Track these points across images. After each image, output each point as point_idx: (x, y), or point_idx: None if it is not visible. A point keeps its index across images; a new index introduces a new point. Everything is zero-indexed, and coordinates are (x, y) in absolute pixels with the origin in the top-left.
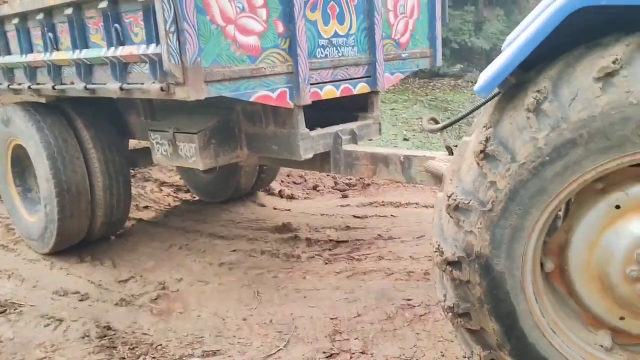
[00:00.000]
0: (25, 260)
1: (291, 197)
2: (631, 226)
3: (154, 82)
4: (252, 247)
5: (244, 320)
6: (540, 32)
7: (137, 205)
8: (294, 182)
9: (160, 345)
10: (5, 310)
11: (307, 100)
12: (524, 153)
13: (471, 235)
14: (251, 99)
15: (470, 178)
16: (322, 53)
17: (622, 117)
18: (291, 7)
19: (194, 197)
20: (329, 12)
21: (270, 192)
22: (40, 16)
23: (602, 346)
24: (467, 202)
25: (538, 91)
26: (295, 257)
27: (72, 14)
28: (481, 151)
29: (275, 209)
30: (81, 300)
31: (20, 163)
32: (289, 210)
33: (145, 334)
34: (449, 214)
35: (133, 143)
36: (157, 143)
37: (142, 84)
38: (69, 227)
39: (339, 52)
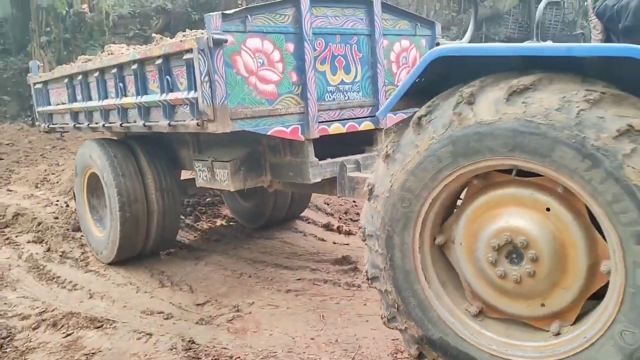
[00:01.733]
0: (114, 284)
1: (349, 233)
2: (492, 220)
3: (192, 119)
4: (315, 277)
5: (312, 339)
6: (412, 76)
7: (208, 238)
8: (352, 219)
9: (239, 358)
10: (102, 325)
11: (316, 135)
12: (410, 156)
13: (379, 214)
14: (268, 133)
15: (381, 173)
16: (330, 97)
17: (473, 132)
18: (303, 61)
19: (259, 233)
20: (336, 64)
21: (329, 228)
22: (114, 70)
23: (469, 312)
24: (377, 189)
25: (422, 113)
26: (355, 286)
27: (136, 68)
28: (387, 154)
29: (334, 243)
30: (166, 318)
31: (94, 188)
32: (347, 244)
33: (224, 348)
34: (367, 198)
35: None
36: (199, 170)
37: (184, 120)
38: (128, 242)
39: (345, 96)
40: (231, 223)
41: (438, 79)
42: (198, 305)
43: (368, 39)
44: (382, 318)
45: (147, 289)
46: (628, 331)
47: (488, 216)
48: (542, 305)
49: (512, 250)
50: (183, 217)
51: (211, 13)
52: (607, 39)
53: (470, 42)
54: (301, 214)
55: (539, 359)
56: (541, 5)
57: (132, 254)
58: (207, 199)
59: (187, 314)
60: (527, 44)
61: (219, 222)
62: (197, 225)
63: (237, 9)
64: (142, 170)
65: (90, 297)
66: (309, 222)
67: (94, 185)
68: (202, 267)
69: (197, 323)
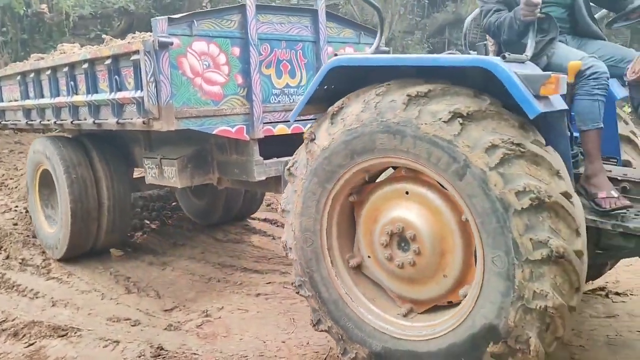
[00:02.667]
0: (78, 291)
1: None
2: (390, 208)
3: (139, 118)
4: (285, 280)
5: (283, 342)
6: (314, 84)
7: (175, 242)
8: None
9: None
10: (67, 333)
11: (260, 135)
12: (350, 123)
13: (294, 194)
14: (213, 132)
15: (302, 157)
16: (275, 99)
17: (405, 131)
18: (248, 65)
19: (227, 237)
20: (281, 68)
21: None
22: (66, 69)
23: (400, 314)
24: (313, 139)
25: (336, 108)
26: None
27: (87, 67)
28: (333, 114)
29: None
30: (133, 325)
31: (46, 185)
32: None
33: (194, 354)
34: (287, 176)
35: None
36: (149, 167)
37: (132, 119)
38: (78, 238)
39: (290, 99)
40: (198, 227)
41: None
42: (166, 311)
43: (313, 45)
44: (311, 323)
45: (113, 295)
46: (495, 256)
47: (372, 220)
48: (445, 276)
49: (399, 238)
50: (148, 222)
51: (158, 17)
52: (499, 51)
53: (376, 52)
54: (257, 215)
55: (452, 327)
56: (469, 17)
57: (83, 250)
58: (173, 203)
59: (155, 320)
60: (444, 54)
61: (185, 226)
62: (163, 229)
63: (184, 14)
64: (94, 168)
65: (53, 305)
66: (277, 225)
67: (46, 182)
68: (169, 272)
69: (165, 329)
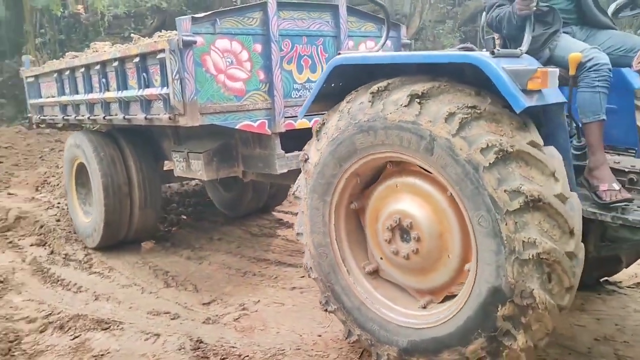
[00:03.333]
0: (119, 286)
1: None
2: (386, 205)
3: (165, 114)
4: None
5: (319, 336)
6: (319, 82)
7: (211, 237)
8: None
9: (247, 356)
10: (110, 326)
11: (282, 129)
12: (332, 134)
13: (302, 215)
14: (236, 127)
15: (313, 147)
16: (296, 94)
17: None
18: (270, 61)
19: (262, 231)
20: (302, 63)
21: None
22: (98, 66)
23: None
24: (307, 160)
25: (319, 125)
26: None
27: (117, 65)
28: (317, 131)
29: None
30: (173, 319)
31: (82, 177)
32: None
33: (232, 347)
34: (301, 167)
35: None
36: (177, 161)
37: (158, 114)
38: (111, 228)
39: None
40: (233, 222)
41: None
42: (204, 304)
43: (334, 40)
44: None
45: (153, 289)
46: (479, 217)
47: (375, 221)
48: (449, 257)
49: (400, 230)
50: (185, 217)
51: (182, 17)
52: (503, 44)
53: (382, 48)
54: (290, 209)
55: (464, 301)
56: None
57: (116, 240)
58: (207, 199)
59: (193, 314)
60: (456, 48)
61: (220, 220)
62: (199, 224)
63: (207, 13)
64: (125, 161)
65: (95, 299)
66: None
67: (82, 175)
68: (206, 266)
69: (204, 322)
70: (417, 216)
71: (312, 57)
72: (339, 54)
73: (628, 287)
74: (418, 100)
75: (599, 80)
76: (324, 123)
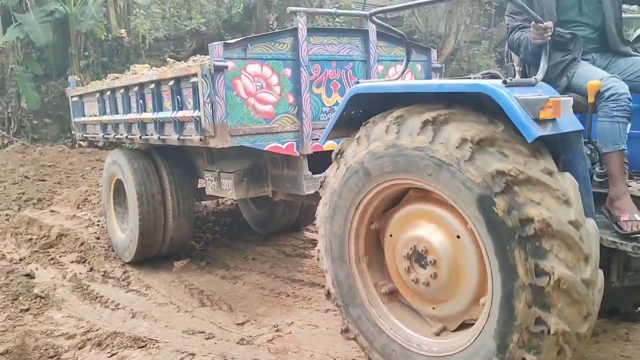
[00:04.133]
0: (155, 304)
1: None
2: (420, 227)
3: (196, 135)
4: None
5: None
6: (338, 110)
7: (246, 257)
8: None
9: None
10: (146, 345)
11: (309, 151)
12: (349, 161)
13: (337, 177)
14: (265, 149)
15: (351, 148)
16: (325, 117)
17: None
18: (299, 85)
19: (295, 251)
20: (331, 87)
21: None
22: (136, 88)
23: (381, 289)
24: (342, 157)
25: (395, 118)
26: None
27: (154, 88)
28: (335, 157)
29: None
30: (207, 338)
31: (119, 194)
32: None
33: None
34: (334, 159)
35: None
36: (208, 180)
37: (190, 135)
38: (146, 243)
39: None
40: (266, 241)
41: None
42: (238, 324)
43: (363, 64)
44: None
45: (188, 308)
46: (492, 243)
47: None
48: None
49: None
50: (220, 236)
51: (215, 42)
52: (523, 71)
53: (403, 75)
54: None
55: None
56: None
57: (150, 255)
58: (242, 218)
59: (227, 334)
60: (480, 74)
61: (254, 240)
62: (234, 243)
63: (238, 39)
64: (161, 178)
65: (132, 317)
66: None
67: (119, 191)
68: (241, 286)
69: (238, 343)
70: (438, 246)
71: (341, 81)
72: (358, 82)
73: None
74: (431, 126)
75: (617, 110)
76: (342, 150)
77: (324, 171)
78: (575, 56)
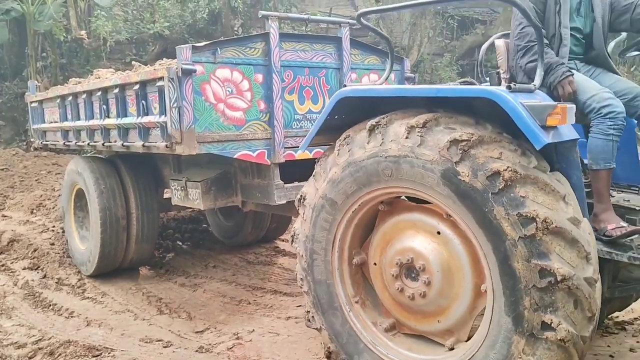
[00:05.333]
0: (112, 312)
1: None
2: (399, 240)
3: (162, 142)
4: None
5: None
6: (323, 114)
7: (207, 264)
8: None
9: None
10: (101, 354)
11: (281, 159)
12: (332, 173)
13: (305, 222)
14: (234, 157)
15: (311, 186)
16: (297, 125)
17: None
18: (271, 91)
19: (258, 259)
20: (304, 94)
21: None
22: (99, 93)
23: (381, 326)
24: (305, 200)
25: (343, 139)
26: None
27: (118, 92)
28: (314, 172)
29: None
30: (165, 346)
31: (80, 203)
32: None
33: None
34: (298, 207)
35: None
36: (175, 189)
37: (156, 142)
38: (108, 255)
39: (312, 124)
40: (229, 249)
41: (363, 113)
42: (197, 332)
43: (336, 72)
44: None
45: (145, 316)
46: (492, 245)
47: (396, 236)
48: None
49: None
50: (180, 243)
51: (182, 45)
52: (511, 79)
53: (386, 81)
54: (286, 237)
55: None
56: (484, 46)
57: (112, 268)
58: (204, 225)
59: (186, 342)
60: (457, 82)
61: (216, 247)
62: (195, 251)
63: (208, 42)
64: (124, 187)
65: (87, 325)
66: None
67: (81, 201)
68: (201, 293)
69: (197, 351)
70: (422, 249)
71: (314, 88)
72: (345, 85)
73: (626, 322)
74: (377, 130)
75: (614, 129)
76: (303, 195)
77: (296, 181)
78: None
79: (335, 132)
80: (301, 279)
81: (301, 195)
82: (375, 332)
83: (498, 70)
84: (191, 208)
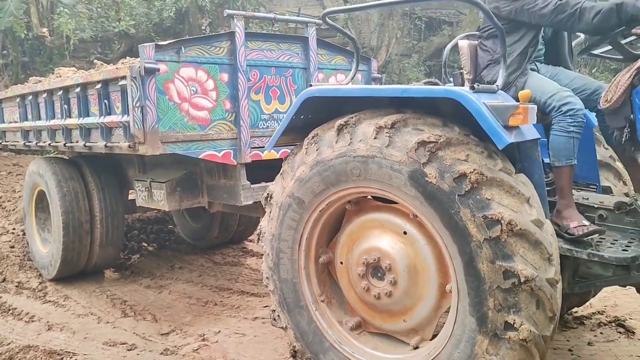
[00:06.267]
0: (74, 315)
1: None
2: (365, 239)
3: (125, 142)
4: None
5: None
6: (289, 114)
7: (173, 265)
8: None
9: None
10: (62, 358)
11: (248, 159)
12: (297, 172)
13: (271, 221)
14: (199, 157)
15: (278, 184)
16: (264, 125)
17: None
18: (237, 91)
19: (225, 259)
20: (270, 94)
21: None
22: (60, 92)
23: (347, 325)
24: (272, 198)
25: (311, 138)
26: None
27: (79, 91)
28: (281, 170)
29: None
30: (130, 349)
31: (42, 205)
32: None
33: None
34: (265, 205)
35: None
36: (139, 190)
37: (118, 142)
38: (70, 259)
39: (279, 124)
40: (195, 250)
41: (328, 113)
42: (162, 334)
43: (303, 71)
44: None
45: (109, 319)
46: (457, 246)
47: (364, 235)
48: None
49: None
50: (145, 244)
51: (145, 44)
52: (473, 80)
53: (352, 81)
54: (254, 237)
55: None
56: (448, 47)
57: (74, 271)
58: (169, 226)
59: (151, 344)
60: (421, 82)
61: (182, 248)
62: (161, 252)
63: (171, 41)
64: (88, 189)
65: (48, 329)
66: None
67: (42, 203)
68: (167, 295)
69: (161, 353)
70: (389, 249)
71: (280, 88)
72: (311, 85)
73: (584, 316)
74: (346, 130)
75: (574, 126)
76: (270, 193)
77: (263, 181)
78: (525, 66)
79: (302, 132)
80: (267, 277)
81: (268, 194)
82: (340, 330)
83: (461, 71)
84: (157, 209)
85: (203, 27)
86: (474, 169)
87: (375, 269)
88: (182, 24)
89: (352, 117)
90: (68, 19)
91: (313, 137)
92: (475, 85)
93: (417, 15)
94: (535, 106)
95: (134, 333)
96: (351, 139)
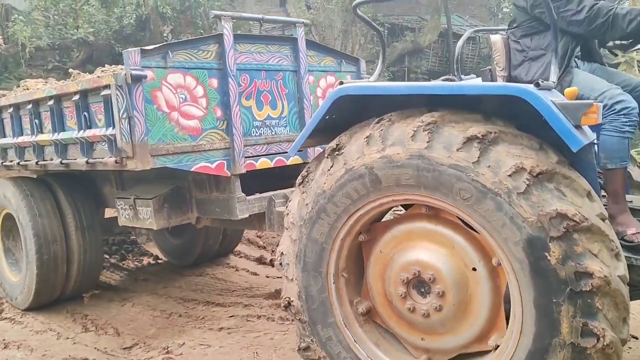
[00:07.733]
0: (32, 332)
1: None
2: (402, 255)
3: (110, 157)
4: (248, 313)
5: None
6: (318, 115)
7: (136, 277)
8: None
9: None
10: None
11: (242, 170)
12: (355, 163)
13: (307, 207)
14: (192, 169)
15: (321, 168)
16: (256, 132)
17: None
18: (227, 97)
19: (190, 270)
20: (262, 100)
21: (262, 262)
22: (29, 106)
23: (356, 306)
24: (292, 219)
25: (334, 147)
26: (289, 320)
27: (53, 104)
28: (300, 183)
29: (267, 277)
30: None
31: (9, 230)
32: (280, 277)
33: None
34: (286, 227)
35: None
36: (122, 208)
37: (103, 158)
38: (46, 286)
39: (272, 131)
40: (159, 261)
41: (350, 115)
42: (125, 349)
43: (294, 74)
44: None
45: (70, 334)
46: (519, 250)
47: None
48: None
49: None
50: (108, 256)
51: (130, 49)
52: (509, 77)
53: (378, 79)
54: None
55: None
56: (460, 42)
57: (51, 299)
58: (132, 237)
59: (113, 359)
60: (440, 79)
61: (146, 260)
62: (123, 264)
63: (158, 45)
64: (61, 210)
65: (5, 347)
66: (241, 257)
67: (9, 227)
68: (129, 308)
69: None
70: (449, 277)
71: (271, 92)
72: (341, 82)
73: None
74: (477, 144)
75: (629, 125)
76: (340, 146)
77: (257, 192)
78: (570, 63)
79: (323, 133)
80: (292, 223)
81: (337, 145)
82: (350, 312)
83: (489, 67)
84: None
85: (165, 34)
86: (575, 213)
87: (421, 284)
88: (143, 31)
89: (490, 133)
90: (23, 27)
91: (429, 124)
92: (540, 82)
93: (379, 21)
94: (602, 104)
95: (95, 348)
96: (479, 158)
